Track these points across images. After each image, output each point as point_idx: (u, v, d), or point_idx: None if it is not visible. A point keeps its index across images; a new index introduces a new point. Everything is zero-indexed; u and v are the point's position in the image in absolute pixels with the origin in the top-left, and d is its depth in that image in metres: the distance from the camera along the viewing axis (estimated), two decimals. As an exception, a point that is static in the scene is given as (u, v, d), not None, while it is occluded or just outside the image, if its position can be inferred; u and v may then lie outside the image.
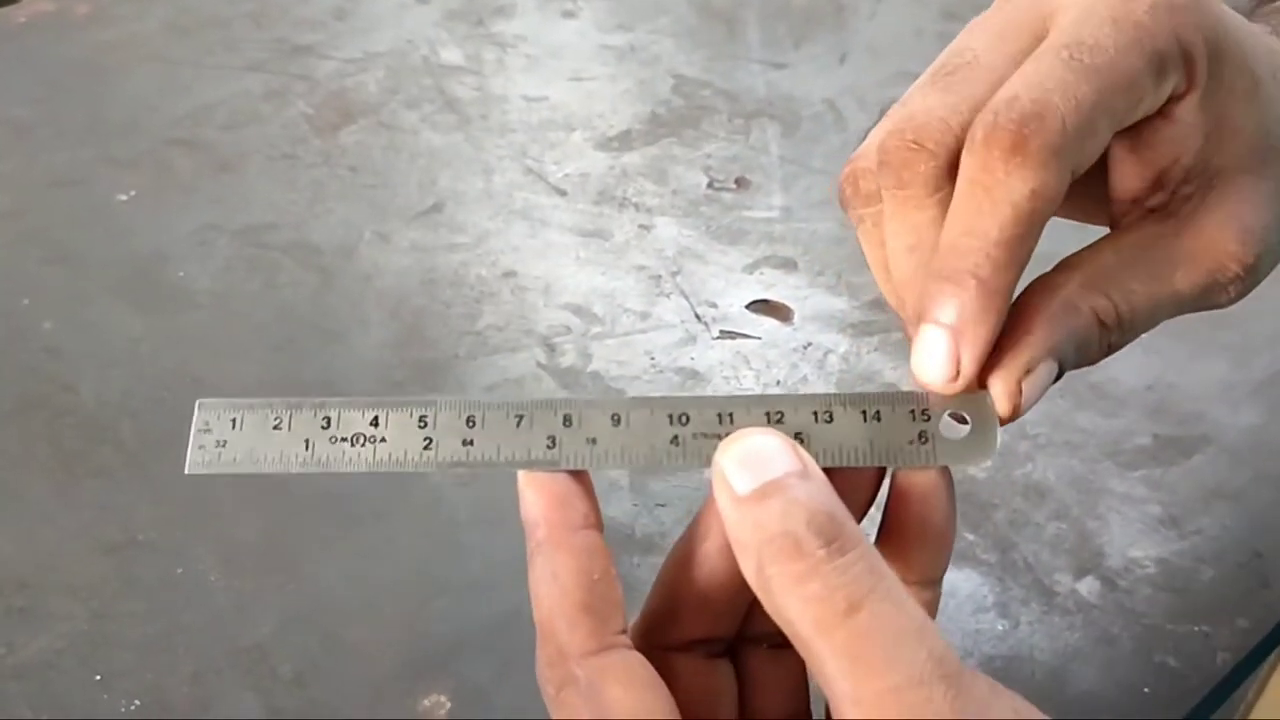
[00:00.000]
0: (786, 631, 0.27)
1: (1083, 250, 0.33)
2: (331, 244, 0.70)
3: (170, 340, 0.64)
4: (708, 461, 0.29)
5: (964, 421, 0.31)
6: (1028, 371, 0.31)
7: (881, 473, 0.32)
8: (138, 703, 0.48)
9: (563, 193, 0.74)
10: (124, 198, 0.72)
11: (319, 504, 0.56)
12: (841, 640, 0.26)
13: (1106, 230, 0.34)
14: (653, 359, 0.64)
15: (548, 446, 0.30)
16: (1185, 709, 0.51)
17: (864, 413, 0.31)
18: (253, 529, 0.55)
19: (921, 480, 0.31)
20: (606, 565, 0.30)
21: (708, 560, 0.31)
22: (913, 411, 0.31)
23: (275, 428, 0.31)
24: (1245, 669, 0.53)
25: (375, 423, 0.31)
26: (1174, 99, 0.32)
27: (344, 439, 0.31)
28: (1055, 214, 0.30)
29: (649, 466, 0.32)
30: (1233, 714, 0.98)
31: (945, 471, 0.31)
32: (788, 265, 0.70)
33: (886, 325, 0.66)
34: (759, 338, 0.65)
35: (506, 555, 0.53)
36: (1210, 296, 0.33)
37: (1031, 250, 0.30)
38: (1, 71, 0.81)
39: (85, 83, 0.81)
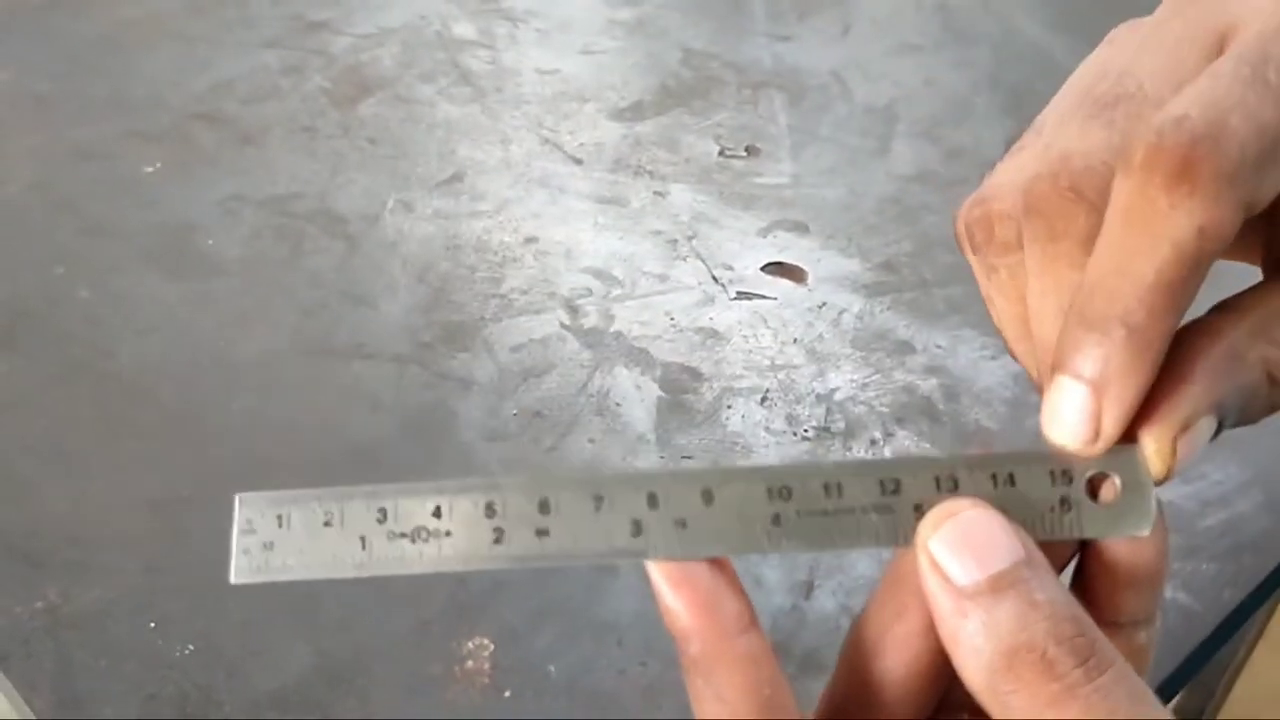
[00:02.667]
0: None
1: (1246, 292, 0.28)
2: (355, 213, 0.71)
3: (203, 306, 0.65)
4: (815, 544, 0.27)
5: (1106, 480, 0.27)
6: (1185, 428, 0.26)
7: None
8: (191, 648, 0.50)
9: (579, 161, 0.76)
10: (150, 170, 0.74)
11: (354, 461, 0.57)
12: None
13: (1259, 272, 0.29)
14: (673, 319, 0.66)
15: (632, 535, 0.27)
16: (1194, 643, 0.53)
17: (994, 476, 0.27)
18: (290, 485, 0.56)
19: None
20: (774, 673, 0.26)
21: (907, 646, 0.27)
22: (1052, 473, 0.26)
23: (326, 524, 0.28)
24: (1252, 604, 0.55)
25: (437, 513, 0.28)
26: None
27: (403, 535, 0.28)
28: None
29: (748, 551, 0.26)
30: (1231, 661, 1.01)
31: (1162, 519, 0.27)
32: (799, 229, 0.72)
33: (899, 285, 0.68)
34: (775, 298, 0.67)
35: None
36: None
37: (1193, 297, 0.25)
38: (24, 47, 0.83)
39: (106, 58, 0.82)
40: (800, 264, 0.69)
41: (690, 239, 0.71)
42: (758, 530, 0.27)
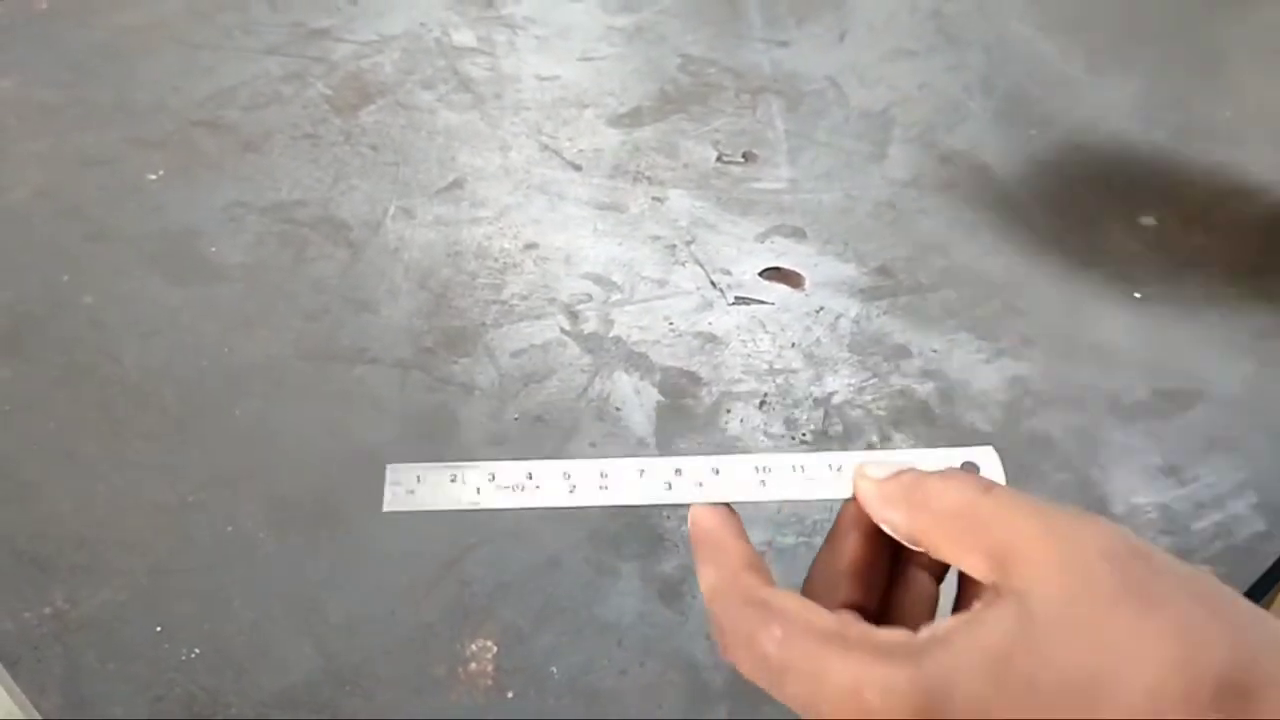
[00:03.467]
0: (933, 532, 0.35)
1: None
2: (357, 219, 0.72)
3: (206, 312, 0.66)
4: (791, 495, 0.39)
5: None
6: None
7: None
8: (198, 650, 0.51)
9: (578, 168, 0.77)
10: (153, 177, 0.74)
11: (356, 465, 0.58)
12: (982, 504, 0.35)
13: None
14: (671, 324, 0.66)
15: (666, 488, 0.39)
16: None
17: None
18: (296, 489, 0.57)
19: None
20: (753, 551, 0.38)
21: (856, 544, 0.38)
22: None
23: (451, 481, 0.39)
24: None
25: (530, 476, 0.39)
26: None
27: (506, 487, 0.39)
28: None
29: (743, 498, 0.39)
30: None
31: None
32: (797, 234, 0.73)
33: (895, 290, 0.69)
34: (772, 303, 0.68)
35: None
36: None
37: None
38: (28, 55, 0.83)
39: (109, 66, 0.83)
40: (798, 269, 0.70)
41: (689, 244, 0.71)
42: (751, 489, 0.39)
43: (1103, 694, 0.31)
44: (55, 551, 0.54)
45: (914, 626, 0.34)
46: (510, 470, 0.39)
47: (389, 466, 0.39)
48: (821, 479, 0.39)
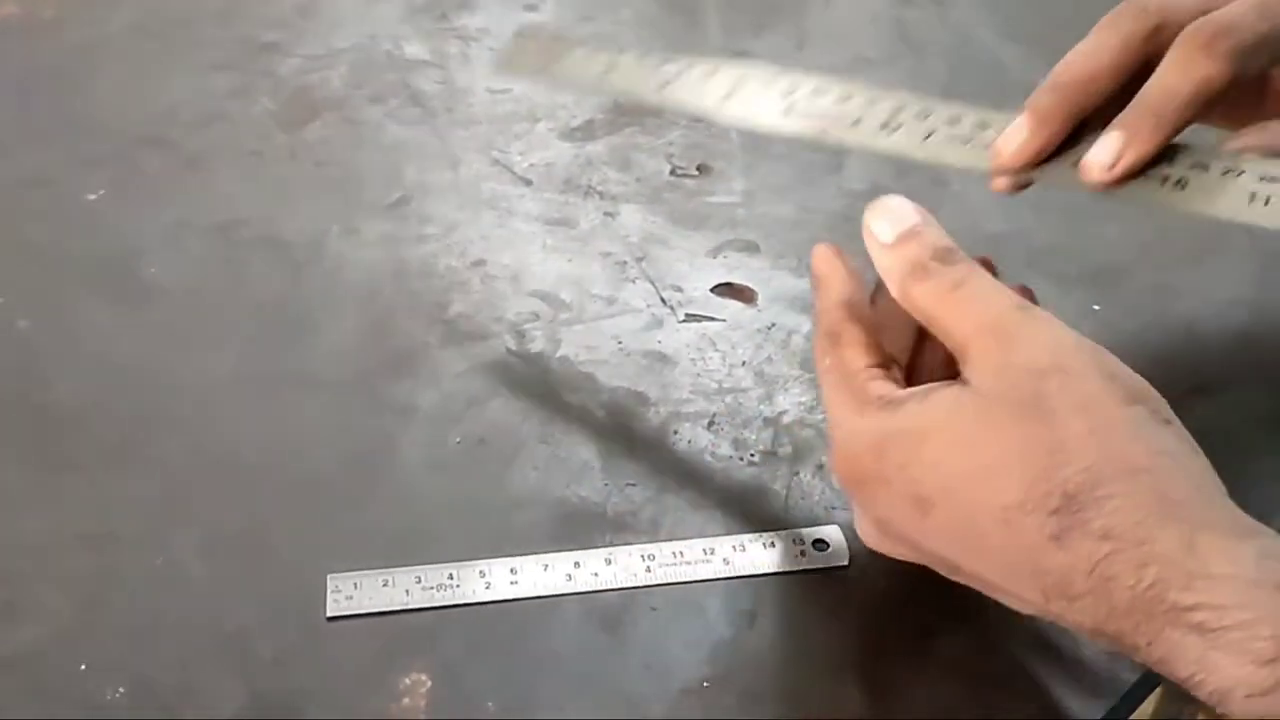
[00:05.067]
0: (924, 322, 0.43)
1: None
2: (301, 238, 0.71)
3: (144, 336, 0.64)
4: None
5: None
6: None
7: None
8: (122, 690, 0.49)
9: (528, 182, 0.76)
10: (93, 197, 0.73)
11: (293, 493, 0.57)
12: (952, 300, 0.42)
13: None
14: (620, 343, 0.65)
15: (566, 579, 0.52)
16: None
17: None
18: (228, 520, 0.56)
19: None
20: (860, 285, 0.48)
21: (876, 305, 0.48)
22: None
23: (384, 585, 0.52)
24: None
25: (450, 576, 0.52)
26: None
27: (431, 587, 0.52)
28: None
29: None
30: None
31: None
32: (750, 249, 0.71)
33: (848, 305, 0.68)
34: (724, 320, 0.67)
35: (479, 541, 0.54)
36: None
37: (1192, 119, 0.45)
38: (-33, 75, 0.82)
39: (52, 85, 0.82)
40: (750, 284, 0.69)
41: (640, 260, 0.70)
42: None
43: (986, 486, 0.39)
44: (-23, 588, 0.52)
45: (932, 379, 0.44)
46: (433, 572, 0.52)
47: (330, 578, 0.51)
48: (698, 562, 0.51)
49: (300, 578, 0.53)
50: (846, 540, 0.55)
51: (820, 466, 0.59)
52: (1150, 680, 0.51)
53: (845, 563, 0.54)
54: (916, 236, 0.43)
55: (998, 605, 0.42)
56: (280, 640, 0.51)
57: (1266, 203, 0.42)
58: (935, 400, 0.41)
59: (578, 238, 0.72)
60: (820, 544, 0.55)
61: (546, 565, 0.53)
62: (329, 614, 0.52)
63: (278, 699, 0.49)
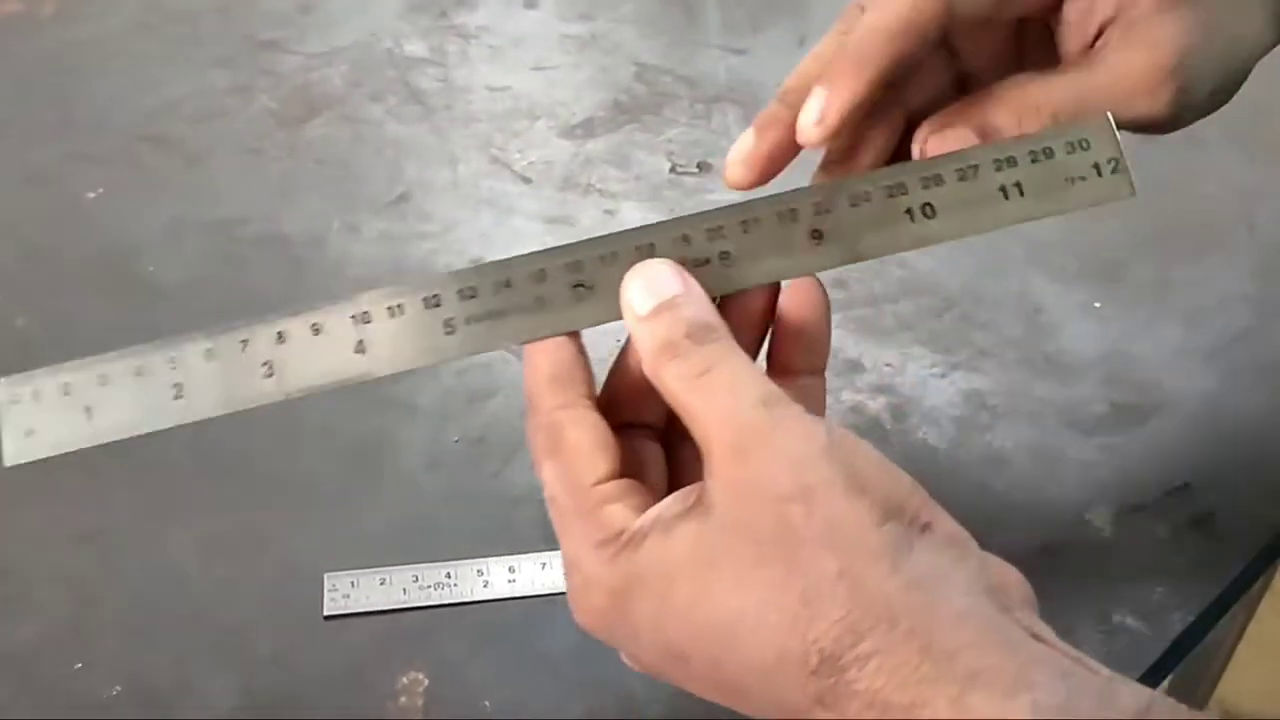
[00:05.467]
0: (671, 404, 0.37)
1: (1006, 83, 0.43)
2: (301, 235, 0.71)
3: (142, 332, 0.63)
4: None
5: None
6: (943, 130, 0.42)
7: (775, 292, 0.41)
8: (119, 688, 0.49)
9: (528, 180, 0.75)
10: (93, 195, 0.73)
11: (291, 492, 0.57)
12: (697, 388, 0.36)
13: None
14: (619, 341, 0.64)
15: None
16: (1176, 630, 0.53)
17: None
18: (225, 517, 0.56)
19: (802, 292, 0.41)
20: (576, 350, 0.40)
21: (635, 365, 0.40)
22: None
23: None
24: (1233, 592, 0.55)
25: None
26: None
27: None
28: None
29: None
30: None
31: (818, 286, 0.41)
32: (751, 246, 0.71)
33: (849, 302, 0.68)
34: (724, 317, 0.66)
35: (477, 540, 0.54)
36: (1143, 126, 0.43)
37: (905, 52, 0.41)
38: (-33, 72, 0.82)
39: (54, 81, 0.81)
40: (750, 282, 0.69)
41: (639, 258, 0.70)
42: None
43: (739, 641, 0.34)
44: (-26, 585, 0.52)
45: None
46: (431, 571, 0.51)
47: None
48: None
49: (297, 576, 0.53)
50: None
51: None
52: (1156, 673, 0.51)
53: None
54: (673, 309, 0.38)
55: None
56: (277, 638, 0.51)
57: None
58: (678, 536, 0.36)
59: (576, 235, 0.71)
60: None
61: (544, 564, 0.53)
62: (326, 613, 0.52)
63: (274, 697, 0.49)
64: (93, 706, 0.48)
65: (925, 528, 0.35)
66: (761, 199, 0.41)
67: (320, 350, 0.40)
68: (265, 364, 0.40)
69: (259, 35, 0.86)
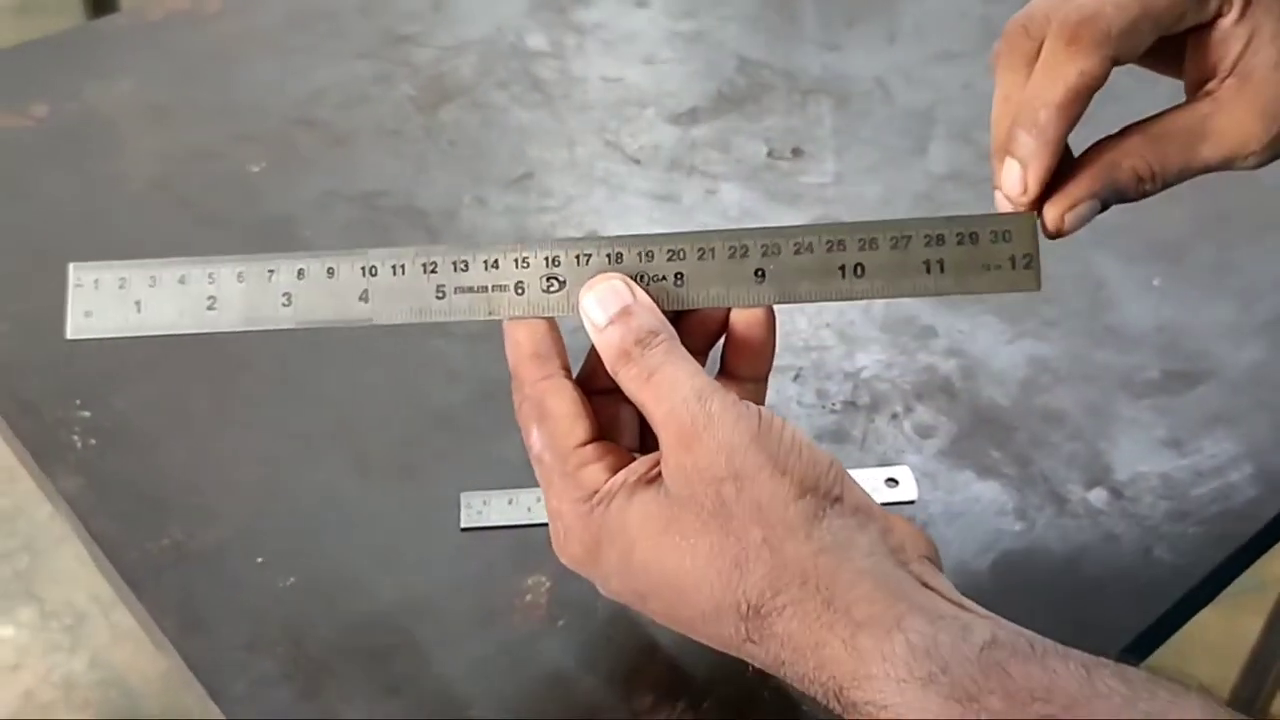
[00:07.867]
0: (631, 400, 0.45)
1: (1157, 114, 0.48)
2: (436, 208, 0.80)
3: (302, 290, 0.74)
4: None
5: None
6: (1072, 206, 0.46)
7: (728, 311, 0.48)
8: (293, 579, 0.58)
9: (638, 162, 0.84)
10: (255, 169, 0.83)
11: (433, 424, 0.65)
12: (648, 387, 0.44)
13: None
14: (718, 305, 0.73)
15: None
16: (1179, 593, 0.59)
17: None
18: (378, 446, 0.64)
19: (751, 312, 0.48)
20: (551, 329, 0.47)
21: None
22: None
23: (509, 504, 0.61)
24: (1236, 564, 0.61)
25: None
26: (1219, 15, 0.46)
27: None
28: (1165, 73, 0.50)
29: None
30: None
31: (765, 308, 0.48)
32: (838, 224, 0.79)
33: (926, 275, 0.75)
34: (812, 286, 0.74)
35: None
36: (1233, 164, 0.48)
37: (1079, 113, 0.45)
38: (144, 62, 0.92)
39: (216, 70, 0.92)
40: (837, 256, 0.76)
41: (737, 232, 0.78)
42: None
43: (686, 592, 0.43)
44: (172, 495, 0.62)
45: None
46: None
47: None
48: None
49: (438, 495, 0.62)
50: (914, 478, 0.62)
51: (895, 415, 0.66)
52: (1157, 632, 0.57)
53: (913, 498, 0.61)
54: (625, 319, 0.45)
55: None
56: (422, 547, 0.60)
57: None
58: (638, 502, 0.44)
59: (681, 212, 0.80)
60: (891, 481, 0.62)
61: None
62: (462, 525, 0.60)
63: (421, 593, 0.58)
64: (272, 595, 0.57)
65: (836, 500, 0.43)
66: (719, 231, 0.46)
67: (331, 291, 0.47)
68: (285, 294, 0.47)
69: (396, 30, 0.96)
